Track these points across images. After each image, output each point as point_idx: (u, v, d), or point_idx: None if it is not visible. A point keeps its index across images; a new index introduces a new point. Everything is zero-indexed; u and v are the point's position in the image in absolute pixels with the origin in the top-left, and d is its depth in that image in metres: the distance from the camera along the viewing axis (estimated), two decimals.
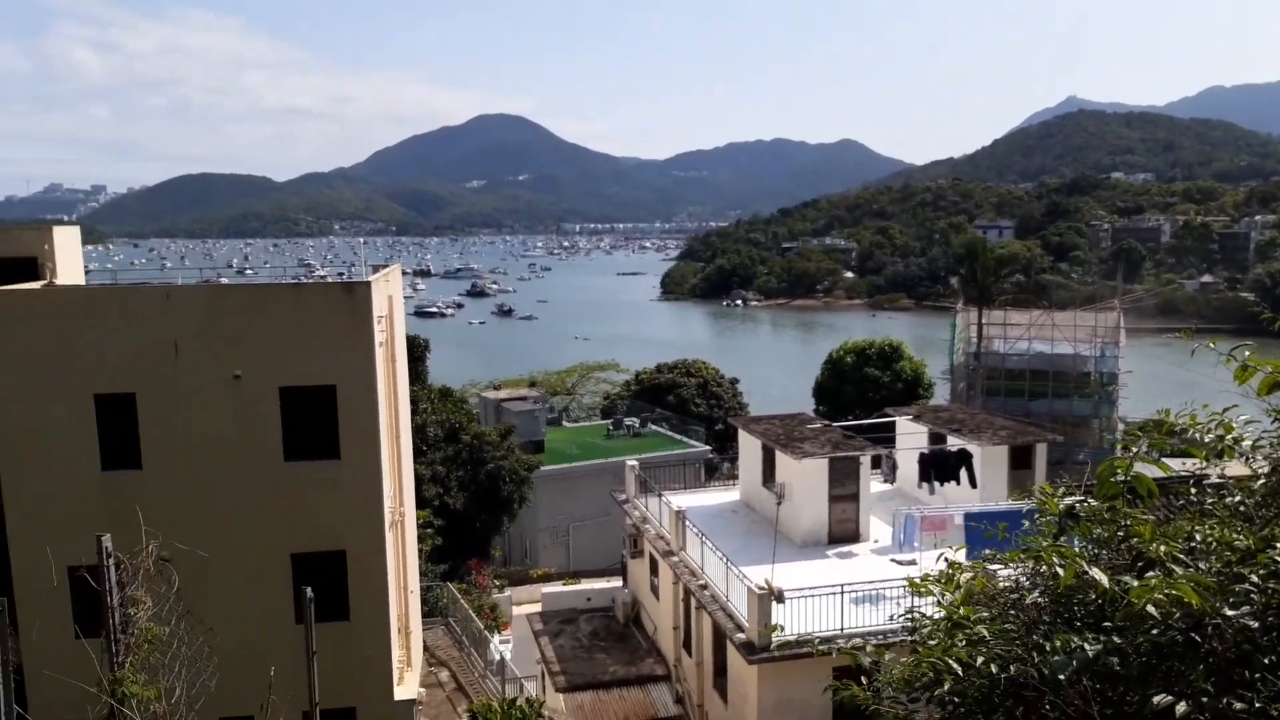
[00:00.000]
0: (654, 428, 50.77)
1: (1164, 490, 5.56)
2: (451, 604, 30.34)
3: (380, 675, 19.02)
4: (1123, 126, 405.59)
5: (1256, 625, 4.12)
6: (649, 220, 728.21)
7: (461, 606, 29.75)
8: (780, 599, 18.38)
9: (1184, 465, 6.03)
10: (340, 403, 17.99)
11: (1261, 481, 5.43)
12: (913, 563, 21.24)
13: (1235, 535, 4.69)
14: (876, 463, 27.17)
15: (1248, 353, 4.89)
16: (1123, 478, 5.08)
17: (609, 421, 52.28)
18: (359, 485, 18.35)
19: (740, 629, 19.20)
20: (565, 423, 56.59)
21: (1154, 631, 4.26)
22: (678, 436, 49.02)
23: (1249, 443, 5.36)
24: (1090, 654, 4.25)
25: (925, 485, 26.05)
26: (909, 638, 6.05)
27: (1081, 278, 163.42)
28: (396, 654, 19.71)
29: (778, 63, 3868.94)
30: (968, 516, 21.19)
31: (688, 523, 23.77)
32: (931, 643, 5.32)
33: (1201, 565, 4.59)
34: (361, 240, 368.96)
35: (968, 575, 6.02)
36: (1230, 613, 4.12)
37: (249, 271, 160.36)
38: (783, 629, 17.67)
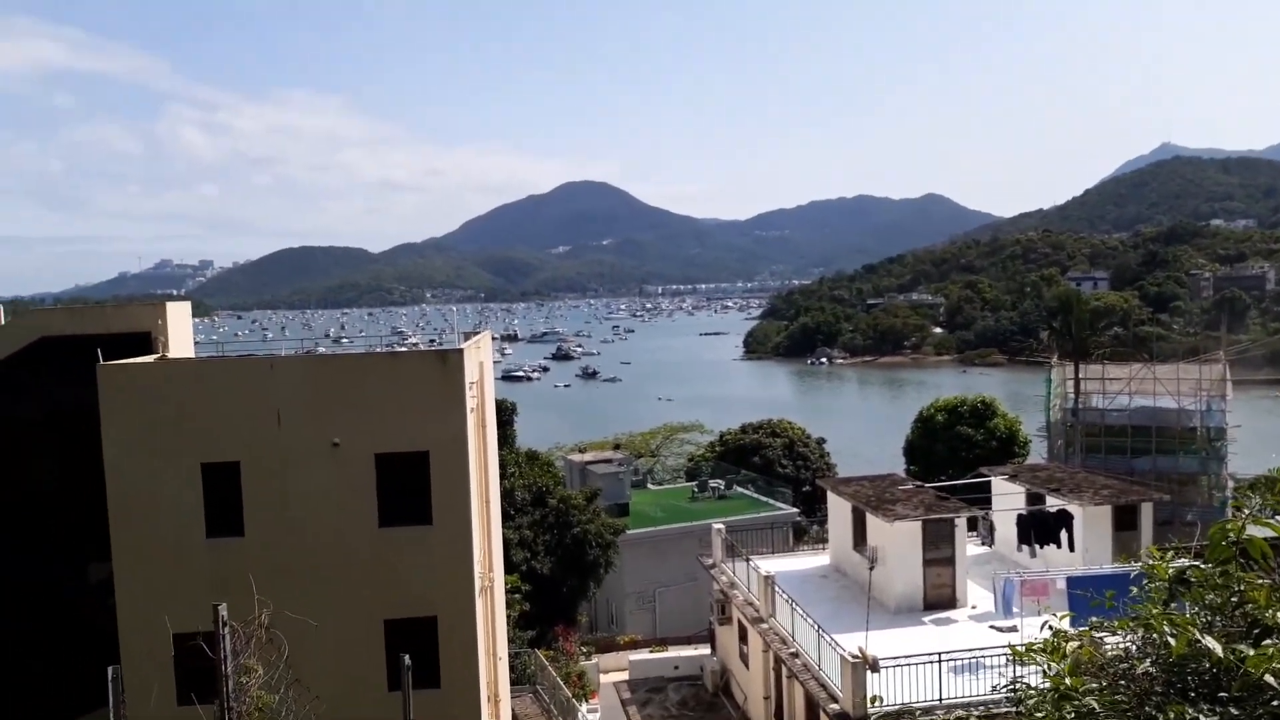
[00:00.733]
0: (739, 489, 50.17)
1: (1279, 552, 5.33)
2: (539, 671, 30.19)
3: None
4: (1220, 172, 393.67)
5: None
6: (731, 280, 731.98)
7: (549, 674, 29.59)
8: (875, 668, 17.90)
9: None
10: (433, 469, 18.23)
11: None
12: (1013, 629, 20.50)
13: None
14: (972, 525, 26.43)
15: None
16: (1235, 539, 4.90)
17: (693, 483, 51.91)
18: (450, 551, 18.51)
19: (834, 699, 18.71)
20: (650, 485, 56.39)
21: (1274, 703, 4.11)
22: (764, 499, 48.28)
23: None
24: None
25: (1025, 548, 25.19)
26: (1013, 709, 5.87)
27: (1183, 329, 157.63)
28: None
29: (858, 118, 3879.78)
30: (1070, 581, 20.43)
31: (777, 588, 23.41)
32: (1038, 715, 5.17)
33: None
34: (453, 307, 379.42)
35: (1074, 644, 5.83)
36: None
37: (344, 340, 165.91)
38: (882, 700, 17.17)
